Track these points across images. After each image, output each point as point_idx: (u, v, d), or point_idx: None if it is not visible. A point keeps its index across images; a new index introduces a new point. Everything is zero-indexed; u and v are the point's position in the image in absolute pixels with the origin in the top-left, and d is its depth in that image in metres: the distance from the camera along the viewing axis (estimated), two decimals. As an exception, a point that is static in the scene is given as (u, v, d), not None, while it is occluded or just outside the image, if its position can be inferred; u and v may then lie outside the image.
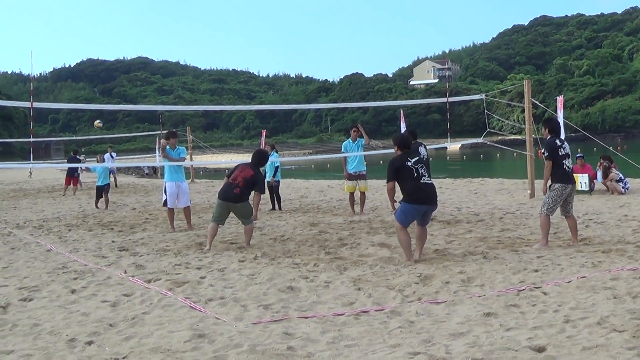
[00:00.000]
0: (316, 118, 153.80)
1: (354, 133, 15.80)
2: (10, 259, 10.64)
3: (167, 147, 13.80)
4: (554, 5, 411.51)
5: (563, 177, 10.21)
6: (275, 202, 17.78)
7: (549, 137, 10.48)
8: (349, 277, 8.26)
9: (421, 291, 7.40)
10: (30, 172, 46.20)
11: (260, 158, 11.77)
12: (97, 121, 24.19)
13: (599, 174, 18.28)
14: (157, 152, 38.59)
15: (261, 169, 12.40)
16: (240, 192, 11.14)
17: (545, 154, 10.31)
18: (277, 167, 18.15)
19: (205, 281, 8.33)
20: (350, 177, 15.58)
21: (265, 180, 17.45)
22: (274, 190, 17.86)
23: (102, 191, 19.93)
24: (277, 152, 19.65)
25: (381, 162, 49.72)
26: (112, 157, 30.35)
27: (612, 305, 6.40)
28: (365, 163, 15.86)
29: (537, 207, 15.28)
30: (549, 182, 10.27)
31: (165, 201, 14.07)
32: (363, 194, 15.62)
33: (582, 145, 41.23)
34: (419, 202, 9.27)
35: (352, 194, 15.77)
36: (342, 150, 15.79)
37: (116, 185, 30.30)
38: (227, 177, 11.54)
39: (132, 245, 11.81)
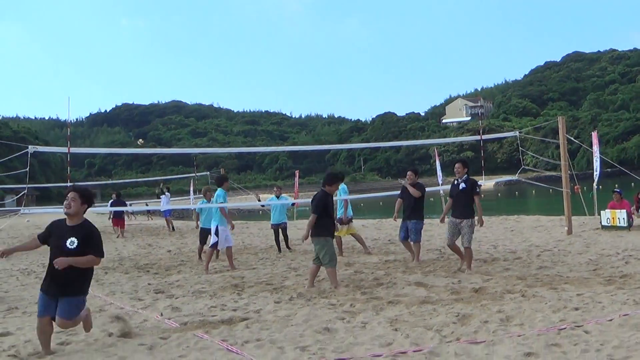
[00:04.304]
0: (349, 158, 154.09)
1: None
2: (48, 303, 10.70)
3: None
4: (587, 41, 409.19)
5: None
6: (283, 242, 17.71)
7: (466, 175, 12.07)
8: (385, 317, 8.19)
9: (459, 331, 7.31)
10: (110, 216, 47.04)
11: (329, 177, 11.39)
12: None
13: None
14: (191, 194, 38.84)
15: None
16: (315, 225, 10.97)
17: (478, 191, 11.99)
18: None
19: (242, 323, 8.30)
20: (341, 222, 16.19)
21: (273, 223, 17.55)
22: (283, 231, 17.75)
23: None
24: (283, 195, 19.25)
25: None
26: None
27: (657, 343, 6.26)
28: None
29: (575, 244, 15.13)
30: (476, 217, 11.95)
31: (216, 243, 14.24)
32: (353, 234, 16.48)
33: (619, 181, 40.82)
34: None
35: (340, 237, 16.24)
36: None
37: (173, 229, 28.91)
38: None
39: (167, 287, 11.84)
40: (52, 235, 6.88)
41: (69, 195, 6.81)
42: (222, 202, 14.52)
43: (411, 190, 13.63)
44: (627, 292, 9.01)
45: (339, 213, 16.08)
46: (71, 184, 7.71)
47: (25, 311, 9.92)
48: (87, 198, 6.88)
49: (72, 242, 6.68)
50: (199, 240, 16.83)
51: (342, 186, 16.09)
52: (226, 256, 14.62)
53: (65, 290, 6.77)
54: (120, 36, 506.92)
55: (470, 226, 11.87)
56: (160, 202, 32.66)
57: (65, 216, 6.84)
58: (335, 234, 16.03)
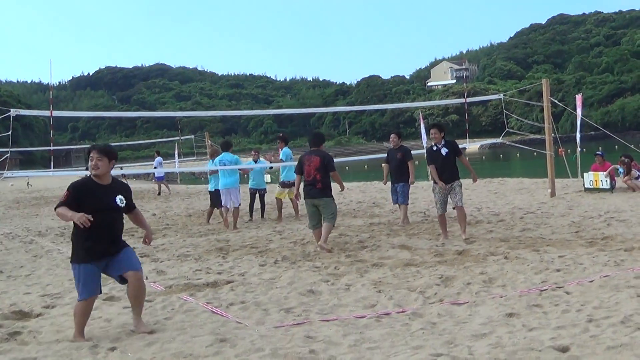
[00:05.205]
0: (334, 121, 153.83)
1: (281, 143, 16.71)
2: (32, 267, 10.72)
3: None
4: (572, 4, 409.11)
5: None
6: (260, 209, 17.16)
7: (443, 140, 11.59)
8: (369, 279, 8.25)
9: (442, 292, 7.38)
10: (28, 183, 45.27)
11: (321, 138, 11.86)
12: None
13: (620, 172, 18.13)
14: (176, 158, 38.70)
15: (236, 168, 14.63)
16: (322, 186, 10.94)
17: (461, 151, 11.82)
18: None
19: (226, 286, 8.35)
20: (284, 185, 16.13)
21: (250, 188, 17.12)
22: (261, 198, 17.08)
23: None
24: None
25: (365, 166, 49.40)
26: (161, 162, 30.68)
27: (636, 303, 6.34)
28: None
29: (558, 206, 15.23)
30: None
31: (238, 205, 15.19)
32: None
33: (603, 144, 40.96)
34: None
35: (282, 200, 16.41)
36: (285, 159, 16.12)
37: (159, 193, 29.08)
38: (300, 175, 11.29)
39: (152, 251, 11.84)
40: (87, 197, 6.43)
41: (92, 155, 6.45)
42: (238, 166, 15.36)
43: (411, 168, 13.81)
44: (608, 253, 9.10)
45: (282, 177, 16.29)
46: (91, 144, 7.31)
47: (10, 275, 9.93)
48: (112, 154, 6.59)
49: (121, 200, 6.65)
50: (211, 203, 16.53)
51: (287, 151, 16.15)
52: (233, 215, 14.86)
53: (119, 244, 6.76)
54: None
55: (460, 186, 11.56)
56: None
57: (94, 177, 6.48)
58: (275, 196, 16.43)
